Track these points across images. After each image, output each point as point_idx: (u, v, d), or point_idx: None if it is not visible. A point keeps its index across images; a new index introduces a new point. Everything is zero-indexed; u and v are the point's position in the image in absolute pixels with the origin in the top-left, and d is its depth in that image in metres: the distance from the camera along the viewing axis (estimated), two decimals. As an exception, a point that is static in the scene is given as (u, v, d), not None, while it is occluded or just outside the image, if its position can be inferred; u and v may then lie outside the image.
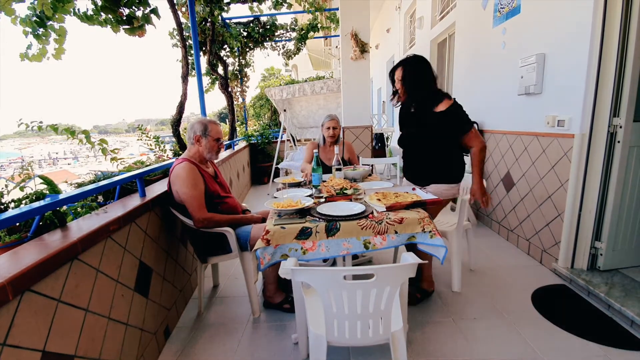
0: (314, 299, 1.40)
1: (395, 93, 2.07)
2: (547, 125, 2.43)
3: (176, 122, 3.36)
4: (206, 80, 5.92)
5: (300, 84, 5.46)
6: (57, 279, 1.10)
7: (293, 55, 6.83)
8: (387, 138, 6.71)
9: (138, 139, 3.25)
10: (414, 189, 1.99)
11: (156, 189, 2.18)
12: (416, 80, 1.89)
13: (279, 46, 6.80)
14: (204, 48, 5.22)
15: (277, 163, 5.79)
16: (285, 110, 5.97)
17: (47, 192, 1.42)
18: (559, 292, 2.24)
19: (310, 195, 2.01)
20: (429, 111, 1.88)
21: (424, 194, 1.85)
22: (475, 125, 1.88)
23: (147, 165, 2.42)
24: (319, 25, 5.89)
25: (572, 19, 2.20)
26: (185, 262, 2.36)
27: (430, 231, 1.53)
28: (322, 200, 1.88)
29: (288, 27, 6.24)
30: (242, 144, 6.33)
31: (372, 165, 4.36)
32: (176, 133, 3.38)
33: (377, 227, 1.52)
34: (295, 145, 6.51)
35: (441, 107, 1.86)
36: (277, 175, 6.35)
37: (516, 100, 2.80)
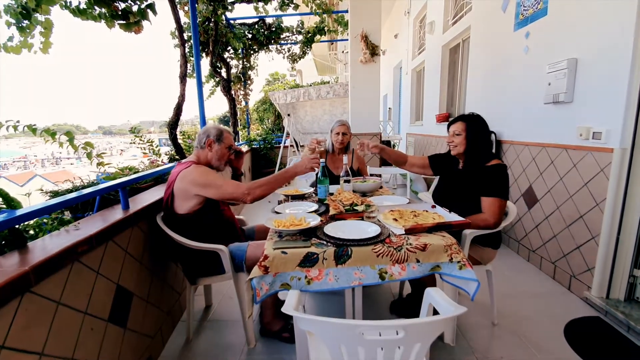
0: (319, 340, 1.16)
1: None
2: (579, 137, 2.20)
3: (173, 125, 3.14)
4: (208, 82, 5.74)
5: (306, 88, 5.27)
6: (-4, 321, 0.87)
7: (298, 59, 6.65)
8: (394, 145, 6.49)
9: (131, 142, 3.04)
10: (433, 206, 1.75)
11: (145, 198, 1.96)
12: (479, 135, 1.83)
13: (284, 49, 6.63)
14: (206, 49, 5.04)
15: (279, 170, 5.57)
16: (289, 115, 5.76)
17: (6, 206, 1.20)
18: (594, 325, 1.98)
19: (315, 211, 1.78)
20: (480, 166, 1.80)
21: (447, 213, 1.62)
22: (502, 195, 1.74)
23: (135, 172, 2.20)
24: (326, 29, 5.70)
25: (610, 20, 1.98)
26: (175, 280, 2.13)
27: (459, 261, 1.30)
28: (324, 212, 1.64)
29: (294, 30, 6.07)
30: (244, 148, 6.13)
31: (380, 176, 4.13)
32: (172, 136, 3.16)
33: (395, 254, 1.29)
34: (298, 150, 6.30)
35: (491, 163, 1.79)
36: (279, 182, 6.12)
37: (541, 109, 2.57)
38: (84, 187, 1.73)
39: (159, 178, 2.42)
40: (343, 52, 9.21)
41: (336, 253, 1.29)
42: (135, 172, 2.16)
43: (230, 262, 1.74)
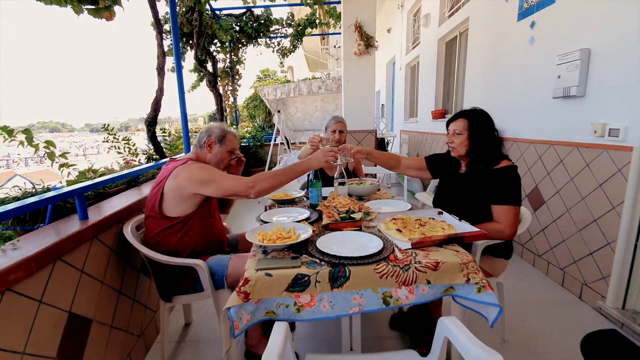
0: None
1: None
2: (593, 135, 2.02)
3: (151, 122, 2.89)
4: (193, 76, 5.45)
5: (296, 83, 5.03)
6: None
7: (288, 53, 6.38)
8: (388, 143, 6.30)
9: (104, 141, 2.78)
10: (440, 212, 1.55)
11: (114, 205, 1.72)
12: (484, 134, 1.58)
13: (273, 43, 6.36)
14: (190, 41, 4.76)
15: (270, 168, 5.33)
16: (279, 112, 5.52)
17: None
18: (611, 339, 1.81)
19: (307, 219, 1.56)
20: (487, 170, 1.56)
21: (457, 222, 1.42)
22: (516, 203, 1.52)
23: (101, 175, 1.95)
24: (317, 21, 5.46)
25: (627, 6, 1.80)
26: (149, 296, 1.89)
27: (477, 283, 1.10)
28: (316, 220, 1.43)
29: (284, 22, 5.80)
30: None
31: (375, 176, 3.93)
32: (151, 134, 2.91)
33: (402, 274, 1.08)
34: (289, 148, 6.06)
35: (501, 165, 1.55)
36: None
37: (550, 104, 2.39)
38: (34, 194, 1.47)
39: (132, 181, 2.17)
40: (335, 46, 8.97)
41: (331, 274, 1.07)
42: (101, 175, 1.90)
43: (209, 278, 1.52)
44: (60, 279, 1.17)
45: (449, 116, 4.55)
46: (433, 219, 1.45)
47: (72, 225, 1.34)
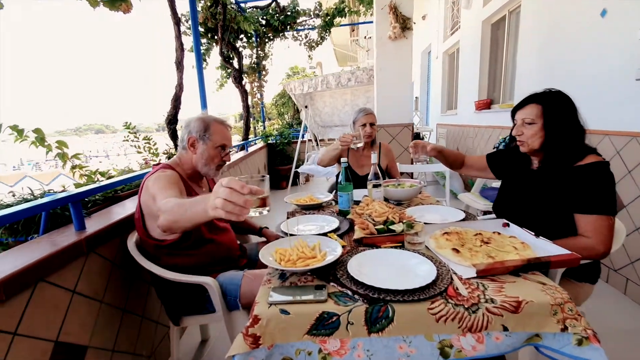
0: None
1: (512, 140, 1.43)
2: (702, 123, 1.58)
3: (171, 119, 2.74)
4: (219, 73, 5.34)
5: (324, 76, 4.75)
6: None
7: (316, 46, 6.12)
8: (423, 138, 5.87)
9: (124, 140, 2.67)
10: (506, 224, 1.22)
11: (123, 210, 1.56)
12: (564, 122, 1.22)
13: (301, 36, 6.12)
14: (215, 36, 4.63)
15: (297, 166, 5.12)
16: (306, 107, 5.28)
17: None
18: None
19: (335, 230, 1.29)
20: (567, 167, 1.21)
21: (532, 237, 1.08)
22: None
23: (110, 177, 1.80)
24: (347, 9, 5.14)
25: None
26: (162, 312, 1.72)
27: (577, 333, 0.78)
28: (346, 232, 1.15)
29: (311, 13, 5.54)
30: (260, 144, 5.72)
31: (412, 175, 3.59)
32: (171, 132, 2.77)
33: (467, 317, 0.78)
34: (318, 145, 5.82)
35: (585, 161, 1.19)
36: (296, 181, 5.67)
37: (631, 87, 1.95)
38: (27, 200, 1.32)
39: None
40: (365, 37, 8.58)
41: (368, 314, 0.80)
42: (110, 178, 1.75)
43: (221, 298, 1.30)
44: (43, 304, 0.98)
45: (495, 106, 4.10)
46: (498, 233, 1.13)
47: (65, 238, 1.16)
